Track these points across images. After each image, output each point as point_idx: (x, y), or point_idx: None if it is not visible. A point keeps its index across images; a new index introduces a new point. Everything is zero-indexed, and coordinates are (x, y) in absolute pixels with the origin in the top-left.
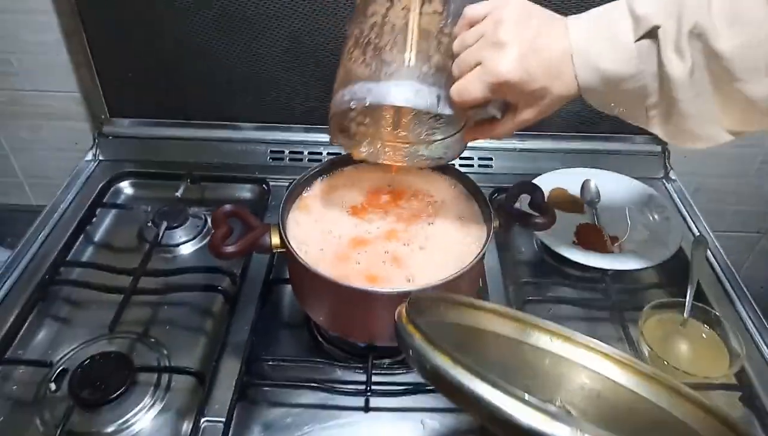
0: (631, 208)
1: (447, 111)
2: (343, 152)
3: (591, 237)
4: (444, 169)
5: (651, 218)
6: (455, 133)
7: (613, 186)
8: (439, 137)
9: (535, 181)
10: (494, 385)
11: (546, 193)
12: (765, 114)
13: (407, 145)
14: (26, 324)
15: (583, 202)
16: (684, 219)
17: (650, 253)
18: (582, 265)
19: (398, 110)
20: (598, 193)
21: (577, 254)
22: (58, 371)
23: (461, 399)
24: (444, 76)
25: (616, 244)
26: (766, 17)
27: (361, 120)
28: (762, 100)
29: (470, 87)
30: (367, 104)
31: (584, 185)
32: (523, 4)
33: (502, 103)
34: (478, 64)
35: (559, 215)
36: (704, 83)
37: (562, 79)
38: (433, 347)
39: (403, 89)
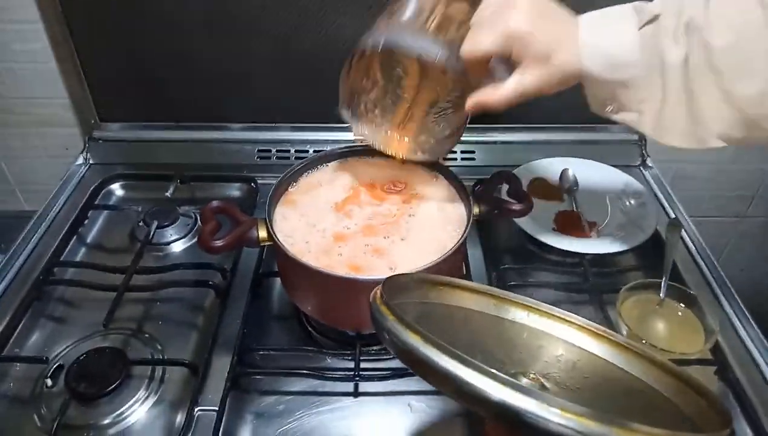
0: (608, 195)
1: (455, 65)
2: (328, 149)
3: (570, 223)
4: (425, 162)
5: (628, 204)
6: (456, 127)
7: (591, 174)
8: (443, 128)
9: (516, 171)
10: (463, 361)
11: (526, 183)
12: (753, 119)
13: (408, 138)
14: (22, 323)
15: (562, 190)
16: (661, 204)
17: (627, 237)
18: (561, 250)
19: (408, 105)
20: (576, 181)
21: (557, 239)
22: (54, 366)
23: (434, 377)
24: (457, 47)
25: (594, 229)
26: (757, 16)
27: (371, 107)
28: (750, 98)
29: (481, 38)
30: (381, 46)
31: (563, 174)
32: None
33: (507, 69)
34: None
35: (539, 203)
36: (697, 77)
37: (566, 49)
38: (405, 327)
39: (417, 39)
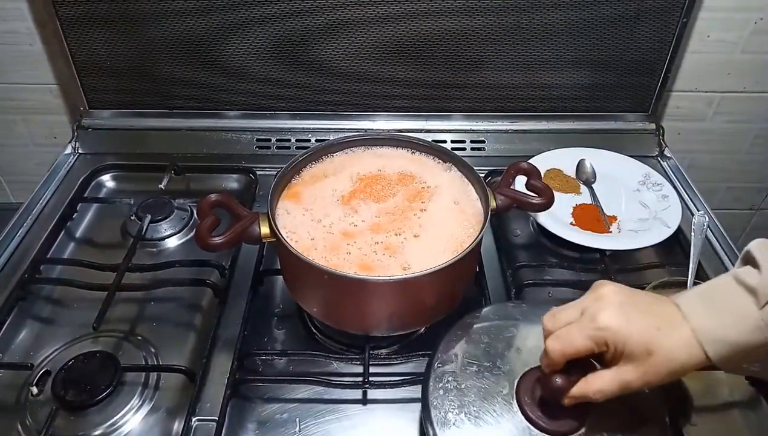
0: (627, 187)
1: None
2: (331, 137)
3: (588, 217)
4: (438, 152)
5: (648, 197)
6: None
7: (609, 165)
8: None
9: (532, 160)
10: None
11: (542, 173)
12: None
13: None
14: (5, 325)
15: (579, 182)
16: (681, 196)
17: (650, 232)
18: (580, 246)
19: None
20: (594, 172)
21: (576, 234)
22: (40, 373)
23: None
24: None
25: (614, 223)
26: None
27: None
28: None
29: (572, 336)
30: None
31: (579, 165)
32: (621, 288)
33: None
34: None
35: (556, 196)
36: None
37: (670, 341)
38: None
39: None
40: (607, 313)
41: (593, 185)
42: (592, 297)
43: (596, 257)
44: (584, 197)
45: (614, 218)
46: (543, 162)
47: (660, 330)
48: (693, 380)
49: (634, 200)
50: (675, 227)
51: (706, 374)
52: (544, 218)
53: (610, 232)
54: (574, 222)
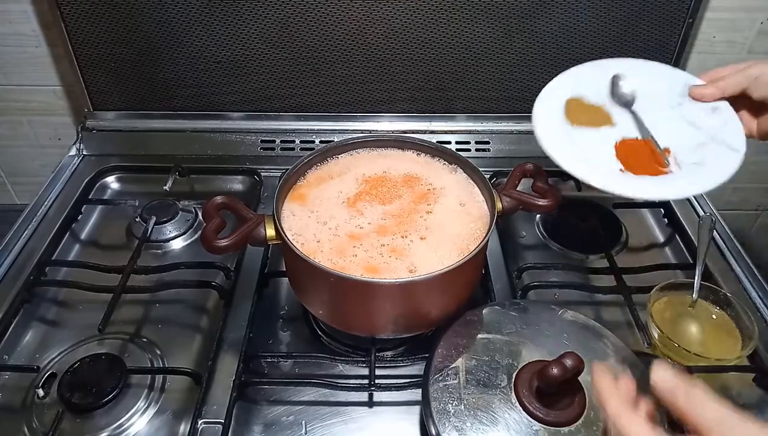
0: (666, 104)
1: None
2: (335, 139)
3: (639, 156)
4: (443, 154)
5: (695, 112)
6: None
7: (636, 79)
8: None
9: (546, 90)
10: None
11: (562, 107)
12: None
13: None
14: (11, 327)
15: (611, 110)
16: (687, 199)
17: (717, 160)
18: (585, 245)
19: None
20: (631, 92)
21: (634, 185)
22: (46, 375)
23: None
24: None
25: (669, 157)
26: None
27: None
28: None
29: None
30: None
31: (613, 85)
32: None
33: None
34: None
35: (587, 134)
36: None
37: None
38: None
39: None
40: None
41: (633, 109)
42: None
43: (602, 256)
44: (621, 130)
45: (667, 150)
46: (560, 90)
47: None
48: (700, 382)
49: (680, 120)
50: (743, 148)
51: (714, 377)
52: (586, 173)
53: (671, 171)
54: (623, 168)
